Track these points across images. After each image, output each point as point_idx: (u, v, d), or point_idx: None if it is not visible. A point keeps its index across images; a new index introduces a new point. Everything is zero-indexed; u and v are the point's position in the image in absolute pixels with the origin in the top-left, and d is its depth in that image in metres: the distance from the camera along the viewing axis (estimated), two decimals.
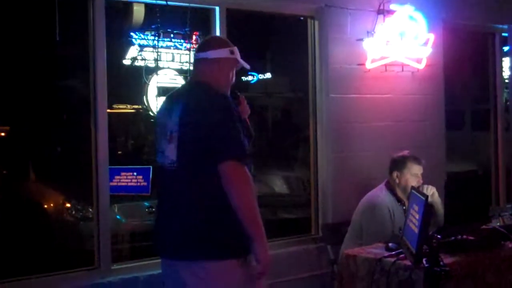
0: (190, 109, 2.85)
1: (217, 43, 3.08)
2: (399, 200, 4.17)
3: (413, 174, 4.15)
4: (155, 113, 4.94)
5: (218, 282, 2.79)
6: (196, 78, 3.05)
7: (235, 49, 3.06)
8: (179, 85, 4.84)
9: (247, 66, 3.13)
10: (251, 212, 2.75)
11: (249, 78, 10.05)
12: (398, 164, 4.21)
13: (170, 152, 2.88)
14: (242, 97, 3.17)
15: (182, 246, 2.81)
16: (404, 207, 4.08)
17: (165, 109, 3.05)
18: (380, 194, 4.20)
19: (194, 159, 2.80)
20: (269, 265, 2.80)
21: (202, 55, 3.01)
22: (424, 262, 3.11)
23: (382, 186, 4.25)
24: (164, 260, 2.96)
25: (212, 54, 2.99)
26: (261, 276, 2.82)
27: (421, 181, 4.16)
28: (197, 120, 2.80)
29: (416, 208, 3.27)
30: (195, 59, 3.10)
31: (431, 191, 4.17)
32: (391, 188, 4.20)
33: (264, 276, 2.85)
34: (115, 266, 4.09)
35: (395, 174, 4.20)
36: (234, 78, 3.08)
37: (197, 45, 3.29)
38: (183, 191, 2.84)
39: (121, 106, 6.83)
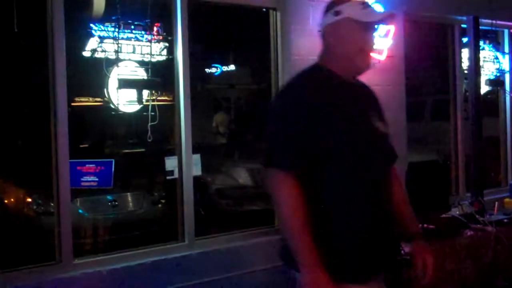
0: None
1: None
2: None
3: None
4: (116, 105, 4.89)
5: None
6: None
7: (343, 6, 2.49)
8: (140, 77, 4.79)
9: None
10: (287, 226, 2.37)
11: (213, 70, 10.04)
12: None
13: None
14: None
15: None
16: None
17: None
18: None
19: None
20: None
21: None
22: None
23: None
24: None
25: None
26: None
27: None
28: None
29: None
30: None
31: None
32: None
33: None
34: (77, 261, 4.03)
35: None
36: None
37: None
38: None
39: (82, 99, 6.75)
